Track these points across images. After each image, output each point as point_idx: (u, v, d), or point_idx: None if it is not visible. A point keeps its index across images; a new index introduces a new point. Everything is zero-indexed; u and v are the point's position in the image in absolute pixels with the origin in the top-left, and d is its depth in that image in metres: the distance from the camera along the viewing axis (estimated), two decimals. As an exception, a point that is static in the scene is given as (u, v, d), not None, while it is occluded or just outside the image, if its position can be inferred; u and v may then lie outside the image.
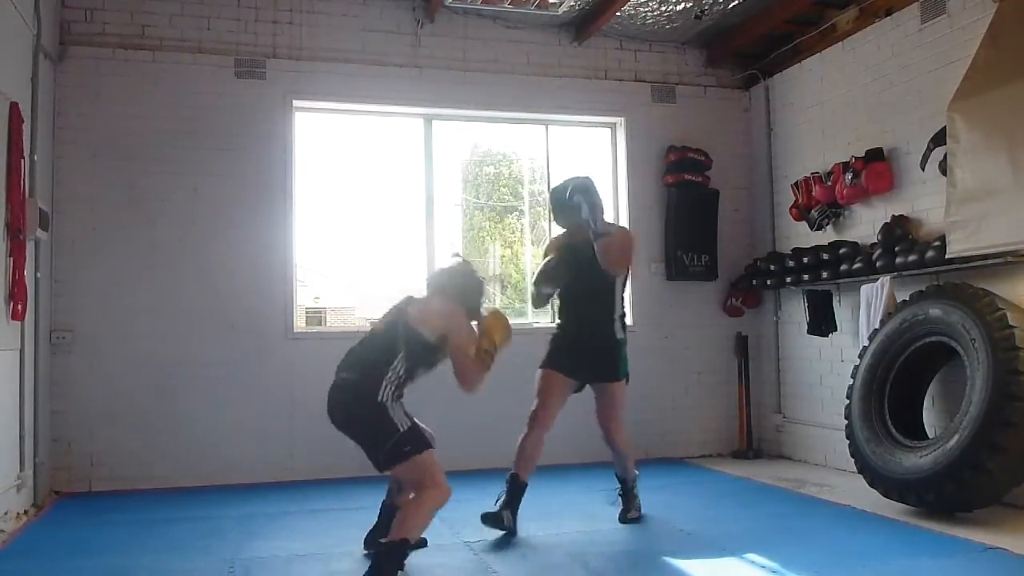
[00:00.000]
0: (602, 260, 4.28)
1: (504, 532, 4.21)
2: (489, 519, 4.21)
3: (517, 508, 4.29)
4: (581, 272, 4.39)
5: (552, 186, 4.41)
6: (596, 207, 4.30)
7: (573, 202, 4.33)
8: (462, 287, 3.81)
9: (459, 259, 4.02)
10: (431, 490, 3.40)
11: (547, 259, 4.58)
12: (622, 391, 4.55)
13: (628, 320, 6.64)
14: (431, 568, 3.78)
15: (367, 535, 3.94)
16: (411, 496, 3.53)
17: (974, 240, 4.55)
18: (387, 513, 3.86)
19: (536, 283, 4.54)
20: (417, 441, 3.46)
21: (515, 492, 4.30)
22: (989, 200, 4.49)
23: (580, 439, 6.35)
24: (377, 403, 3.42)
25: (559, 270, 4.46)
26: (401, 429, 3.41)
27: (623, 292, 4.55)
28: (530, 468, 4.35)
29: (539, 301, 4.64)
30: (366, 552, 3.88)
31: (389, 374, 3.47)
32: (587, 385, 4.54)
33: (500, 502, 4.27)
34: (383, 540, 3.47)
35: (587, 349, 4.46)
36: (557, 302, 4.69)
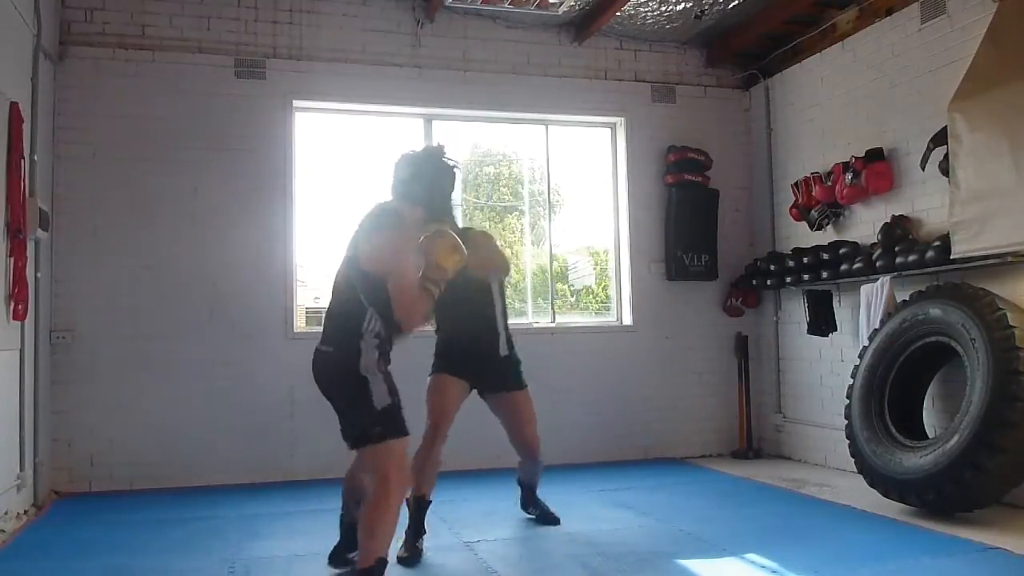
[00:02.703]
0: None
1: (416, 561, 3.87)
2: (405, 561, 3.82)
3: (423, 527, 4.02)
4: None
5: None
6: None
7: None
8: (430, 187, 3.34)
9: (432, 147, 3.51)
10: (391, 485, 3.01)
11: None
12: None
13: (628, 320, 6.72)
14: (431, 568, 3.78)
15: (331, 552, 3.70)
16: (368, 499, 3.12)
17: (979, 240, 4.55)
18: (348, 530, 3.61)
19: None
20: (391, 424, 3.06)
21: (421, 514, 4.03)
22: (993, 200, 4.48)
23: (580, 439, 6.38)
24: (359, 376, 3.06)
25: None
26: (378, 408, 3.04)
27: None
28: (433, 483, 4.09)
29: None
30: (336, 573, 3.61)
31: (364, 337, 3.07)
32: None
33: (405, 535, 3.93)
34: (352, 557, 3.23)
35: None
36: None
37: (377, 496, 3.02)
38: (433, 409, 4.07)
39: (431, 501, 4.08)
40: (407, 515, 3.92)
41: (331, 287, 3.29)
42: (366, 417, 3.05)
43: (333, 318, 3.23)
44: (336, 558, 3.70)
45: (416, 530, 3.97)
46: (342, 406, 3.17)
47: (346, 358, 3.09)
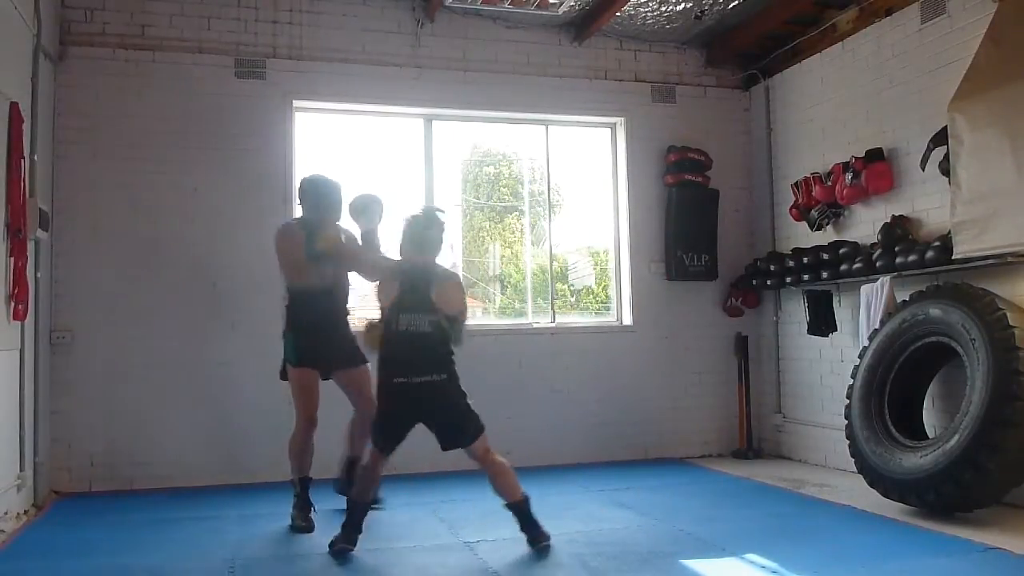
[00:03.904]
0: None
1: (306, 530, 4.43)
2: (304, 530, 4.45)
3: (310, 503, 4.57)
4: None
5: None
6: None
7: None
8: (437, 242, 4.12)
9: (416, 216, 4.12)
10: (493, 454, 4.05)
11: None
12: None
13: (628, 320, 6.72)
14: (431, 568, 3.78)
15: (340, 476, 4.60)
16: (491, 468, 4.04)
17: (980, 241, 4.55)
18: (349, 465, 4.66)
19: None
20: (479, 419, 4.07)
21: (308, 490, 4.60)
22: (994, 200, 4.48)
23: (580, 439, 6.38)
24: (464, 393, 4.00)
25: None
26: (476, 413, 4.03)
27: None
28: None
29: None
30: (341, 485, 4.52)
31: (455, 363, 3.98)
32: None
33: (301, 508, 4.55)
34: (507, 504, 4.03)
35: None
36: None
37: (498, 465, 4.03)
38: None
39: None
40: (295, 494, 4.57)
41: (409, 329, 3.93)
42: (475, 421, 4.01)
43: (426, 351, 3.94)
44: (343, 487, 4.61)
45: (308, 503, 4.58)
46: (455, 420, 4.00)
47: (453, 379, 3.98)
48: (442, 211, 4.19)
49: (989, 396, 4.18)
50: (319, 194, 4.60)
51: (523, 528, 4.01)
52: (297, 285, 4.56)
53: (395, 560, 3.93)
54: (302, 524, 4.44)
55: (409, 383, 3.89)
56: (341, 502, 4.94)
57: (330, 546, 3.98)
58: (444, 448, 4.06)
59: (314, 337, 4.52)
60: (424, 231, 4.04)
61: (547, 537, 4.01)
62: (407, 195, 6.50)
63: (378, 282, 4.17)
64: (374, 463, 4.08)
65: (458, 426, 3.99)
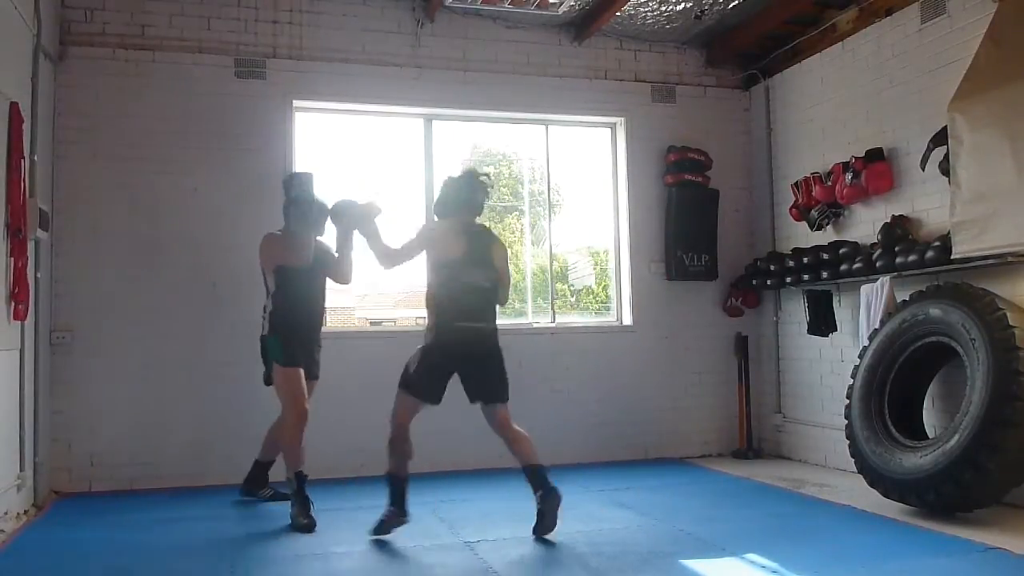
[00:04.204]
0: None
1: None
2: (307, 528, 4.42)
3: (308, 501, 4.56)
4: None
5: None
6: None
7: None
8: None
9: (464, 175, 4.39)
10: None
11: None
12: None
13: (628, 320, 6.72)
14: (431, 568, 3.78)
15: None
16: (512, 433, 4.24)
17: (980, 241, 4.55)
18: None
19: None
20: None
21: (304, 488, 4.60)
22: (994, 200, 4.48)
23: (580, 439, 6.38)
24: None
25: None
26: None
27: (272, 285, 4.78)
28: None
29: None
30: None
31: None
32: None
33: (302, 507, 4.53)
34: (526, 465, 4.19)
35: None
36: None
37: (517, 431, 4.25)
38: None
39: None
40: (293, 492, 4.56)
41: (474, 284, 4.23)
42: (508, 382, 4.29)
43: (485, 303, 4.28)
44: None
45: (307, 499, 4.55)
46: (497, 371, 4.28)
47: (496, 331, 4.30)
48: (486, 175, 4.44)
49: (989, 396, 4.18)
50: (303, 209, 4.74)
51: (538, 488, 4.16)
52: (282, 292, 4.71)
53: (395, 560, 3.93)
54: (304, 522, 4.44)
55: (469, 327, 4.20)
56: (338, 502, 4.95)
57: (379, 527, 4.16)
58: (476, 399, 4.29)
59: (299, 339, 4.73)
60: (472, 194, 4.33)
61: (559, 496, 4.16)
62: (407, 195, 6.51)
63: (432, 237, 4.34)
64: (402, 433, 4.21)
65: (499, 379, 4.29)
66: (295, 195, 4.80)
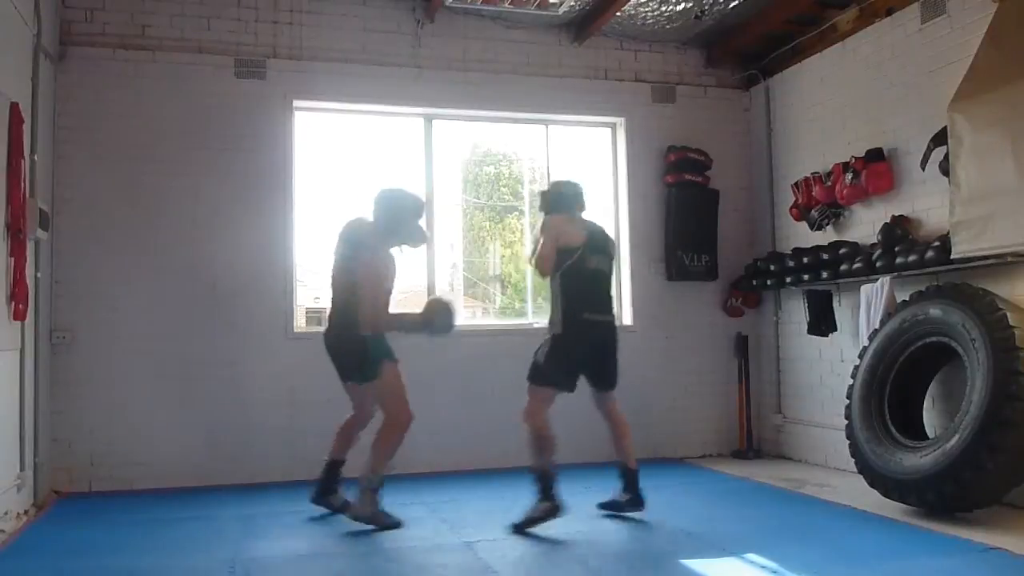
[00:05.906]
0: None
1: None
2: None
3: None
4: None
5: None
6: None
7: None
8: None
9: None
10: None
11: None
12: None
13: (628, 320, 6.71)
14: (431, 568, 3.78)
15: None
16: (619, 425, 4.63)
17: (980, 241, 4.55)
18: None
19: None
20: None
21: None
22: (994, 200, 4.48)
23: (580, 439, 6.37)
24: None
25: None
26: None
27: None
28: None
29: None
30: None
31: None
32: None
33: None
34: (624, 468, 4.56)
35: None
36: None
37: (624, 425, 4.65)
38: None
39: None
40: (372, 488, 4.39)
41: (598, 269, 4.51)
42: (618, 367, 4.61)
43: (606, 294, 4.56)
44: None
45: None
46: (616, 362, 4.53)
47: (615, 323, 4.58)
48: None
49: (989, 396, 4.18)
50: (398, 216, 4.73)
51: (627, 489, 4.50)
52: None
53: (395, 560, 3.93)
54: (390, 522, 4.33)
55: (599, 321, 4.43)
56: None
57: (531, 521, 4.21)
58: (600, 389, 4.56)
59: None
60: (580, 190, 4.77)
61: (643, 507, 4.48)
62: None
63: (559, 228, 4.55)
64: (544, 429, 4.34)
65: (616, 368, 4.53)
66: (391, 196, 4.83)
